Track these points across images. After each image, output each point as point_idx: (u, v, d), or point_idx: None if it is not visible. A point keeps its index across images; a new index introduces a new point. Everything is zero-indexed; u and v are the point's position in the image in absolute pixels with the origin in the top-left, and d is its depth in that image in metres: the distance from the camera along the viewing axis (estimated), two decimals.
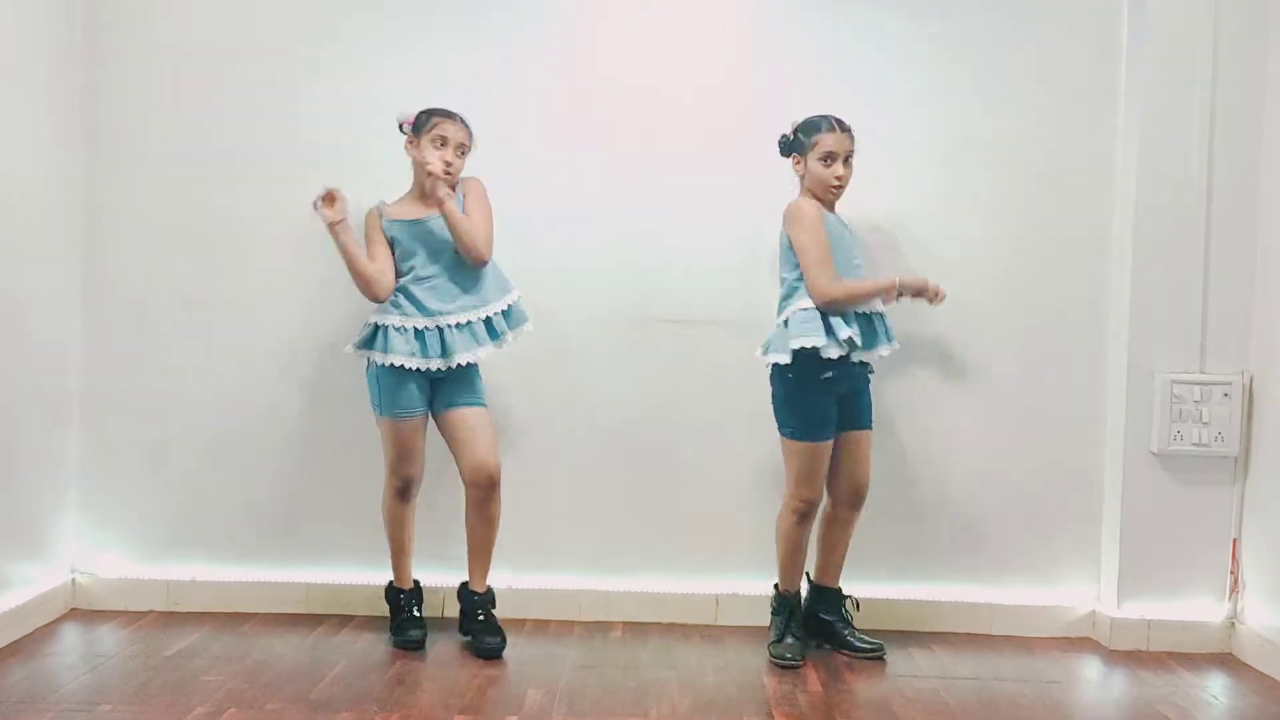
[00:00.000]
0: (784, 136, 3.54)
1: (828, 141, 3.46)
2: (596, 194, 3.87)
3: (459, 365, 3.44)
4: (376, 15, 3.86)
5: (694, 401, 3.89)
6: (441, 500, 3.70)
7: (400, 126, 3.51)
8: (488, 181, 3.58)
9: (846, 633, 3.60)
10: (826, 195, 3.51)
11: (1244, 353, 3.72)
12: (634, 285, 3.88)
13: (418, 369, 3.43)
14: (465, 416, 3.49)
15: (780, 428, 3.51)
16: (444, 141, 3.44)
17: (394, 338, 3.43)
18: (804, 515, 3.51)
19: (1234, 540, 3.73)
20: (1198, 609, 3.75)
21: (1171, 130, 3.70)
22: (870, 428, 3.60)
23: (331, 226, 3.41)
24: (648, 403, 3.90)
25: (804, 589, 3.65)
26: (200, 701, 2.99)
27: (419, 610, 3.62)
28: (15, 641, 3.45)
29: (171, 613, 3.79)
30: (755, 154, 3.71)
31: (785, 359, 3.39)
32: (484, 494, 3.48)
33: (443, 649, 3.51)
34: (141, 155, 3.87)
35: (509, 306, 3.52)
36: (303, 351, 3.88)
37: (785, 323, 3.43)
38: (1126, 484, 3.75)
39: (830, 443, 3.48)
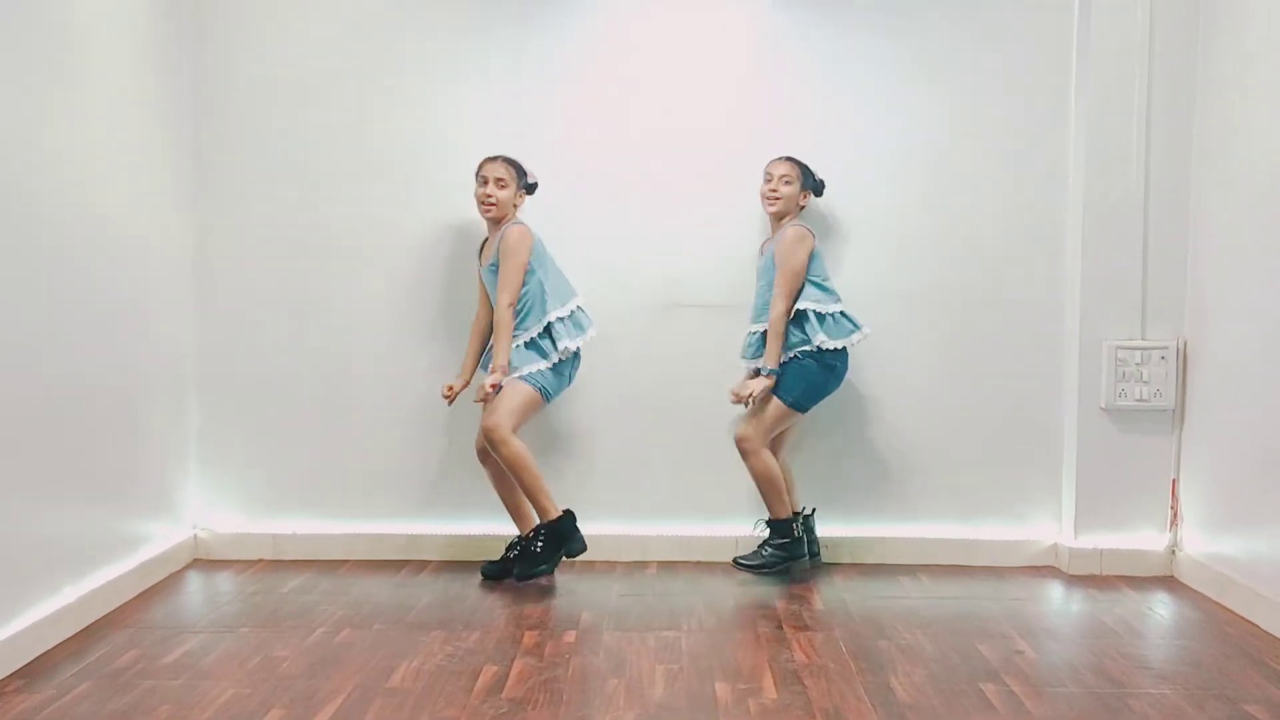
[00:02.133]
0: None
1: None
2: (627, 213, 4.47)
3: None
4: (436, 50, 4.44)
5: (711, 375, 4.45)
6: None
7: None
8: (545, 203, 4.23)
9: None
10: (765, 207, 4.27)
11: (1178, 322, 4.29)
12: (659, 280, 4.48)
13: None
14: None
15: None
16: (485, 180, 4.12)
17: None
18: None
19: (1173, 480, 4.32)
20: (1143, 539, 4.34)
21: (1113, 134, 4.25)
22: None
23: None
24: (673, 377, 4.50)
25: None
26: (320, 624, 3.67)
27: (510, 552, 4.22)
28: (152, 587, 4.09)
29: (277, 560, 4.46)
30: (757, 175, 4.31)
31: None
32: (491, 448, 4.04)
33: (512, 586, 4.14)
34: (240, 174, 4.47)
35: (546, 326, 4.09)
36: (380, 339, 4.49)
37: None
38: (1081, 435, 4.34)
39: None
